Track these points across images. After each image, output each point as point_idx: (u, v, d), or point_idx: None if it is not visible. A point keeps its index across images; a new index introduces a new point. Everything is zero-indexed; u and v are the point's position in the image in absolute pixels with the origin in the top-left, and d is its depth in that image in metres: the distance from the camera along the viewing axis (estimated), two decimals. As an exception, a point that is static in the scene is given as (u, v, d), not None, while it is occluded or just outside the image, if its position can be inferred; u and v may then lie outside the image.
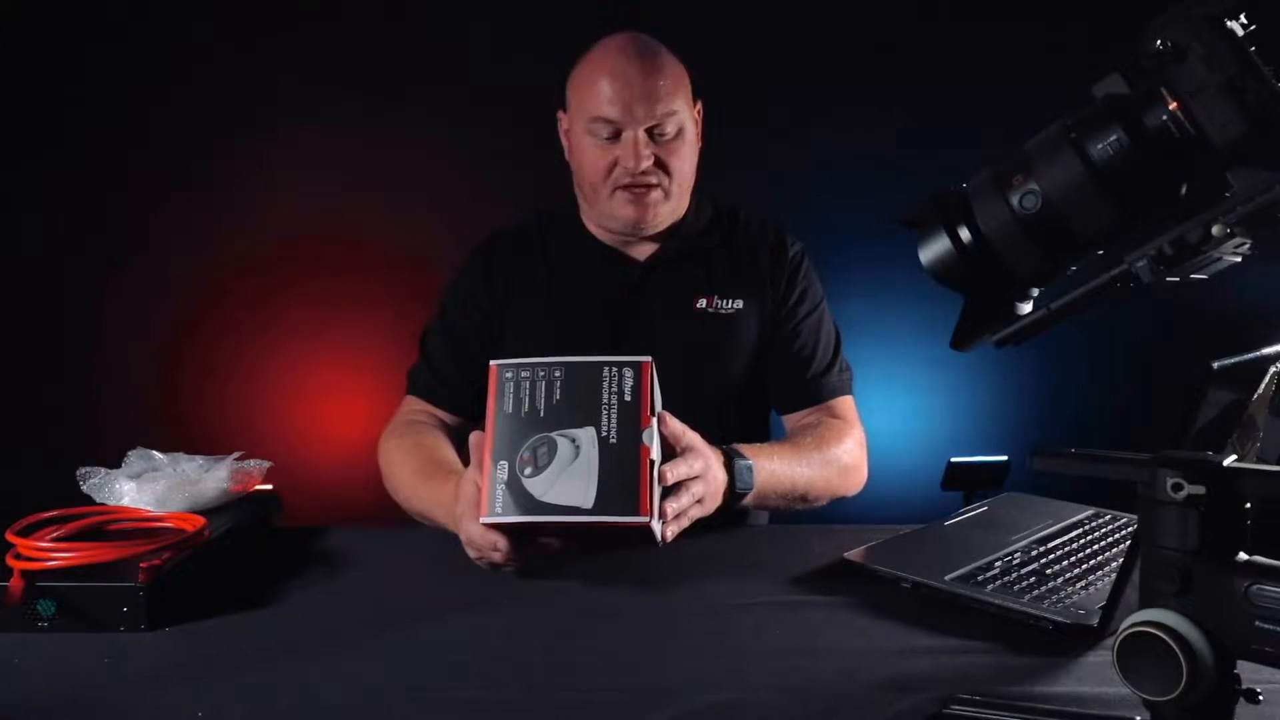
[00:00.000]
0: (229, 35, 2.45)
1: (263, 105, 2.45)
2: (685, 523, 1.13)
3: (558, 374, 1.07)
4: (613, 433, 1.05)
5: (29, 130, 2.42)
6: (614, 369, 1.07)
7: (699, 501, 1.14)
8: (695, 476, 1.13)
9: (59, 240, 2.46)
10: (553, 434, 1.05)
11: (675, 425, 1.13)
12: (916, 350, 2.38)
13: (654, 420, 1.07)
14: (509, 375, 1.08)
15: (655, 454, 1.06)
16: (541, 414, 1.06)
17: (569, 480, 1.04)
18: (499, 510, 1.04)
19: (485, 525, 1.06)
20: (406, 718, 0.84)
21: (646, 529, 1.05)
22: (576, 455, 1.04)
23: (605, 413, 1.06)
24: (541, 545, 1.12)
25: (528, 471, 1.04)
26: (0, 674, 0.91)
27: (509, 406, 1.07)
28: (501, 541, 1.07)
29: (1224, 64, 0.71)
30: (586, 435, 1.05)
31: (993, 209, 0.80)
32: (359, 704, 0.85)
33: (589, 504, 1.03)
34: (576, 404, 1.06)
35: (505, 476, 1.05)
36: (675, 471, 1.10)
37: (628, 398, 1.06)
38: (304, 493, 1.51)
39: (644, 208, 1.46)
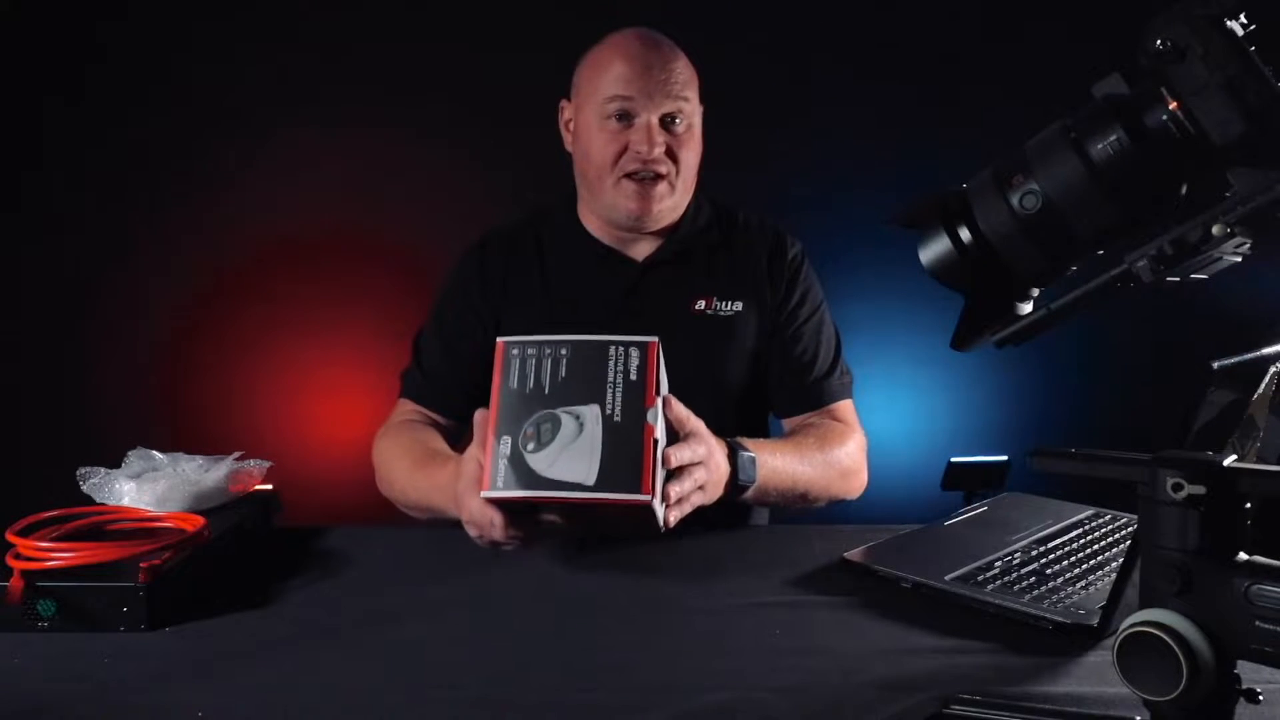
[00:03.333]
0: (229, 34, 2.46)
1: (263, 105, 2.46)
2: (687, 508, 1.11)
3: (564, 351, 1.07)
4: (617, 411, 1.04)
5: (29, 129, 2.43)
6: (620, 348, 1.07)
7: (701, 488, 1.13)
8: (698, 462, 1.12)
9: (59, 240, 2.46)
10: (556, 410, 1.05)
11: (680, 409, 1.12)
12: (916, 350, 2.39)
13: (659, 400, 1.06)
14: (515, 352, 1.07)
15: (660, 434, 1.05)
16: (546, 391, 1.06)
17: (571, 457, 1.03)
18: (500, 485, 1.03)
19: (486, 500, 1.05)
20: (406, 718, 0.83)
21: (648, 509, 1.03)
22: (580, 432, 1.03)
23: (610, 390, 1.05)
24: (544, 523, 1.10)
25: (530, 447, 1.03)
26: (0, 674, 0.91)
27: (514, 382, 1.06)
28: (498, 517, 1.06)
29: (1224, 64, 0.71)
30: (590, 412, 1.04)
31: (993, 209, 0.80)
32: (359, 704, 0.85)
33: (591, 481, 1.02)
34: (581, 381, 1.06)
35: (508, 452, 1.04)
36: (679, 455, 1.09)
37: (633, 376, 1.05)
38: (304, 493, 1.51)
39: (648, 201, 1.45)
